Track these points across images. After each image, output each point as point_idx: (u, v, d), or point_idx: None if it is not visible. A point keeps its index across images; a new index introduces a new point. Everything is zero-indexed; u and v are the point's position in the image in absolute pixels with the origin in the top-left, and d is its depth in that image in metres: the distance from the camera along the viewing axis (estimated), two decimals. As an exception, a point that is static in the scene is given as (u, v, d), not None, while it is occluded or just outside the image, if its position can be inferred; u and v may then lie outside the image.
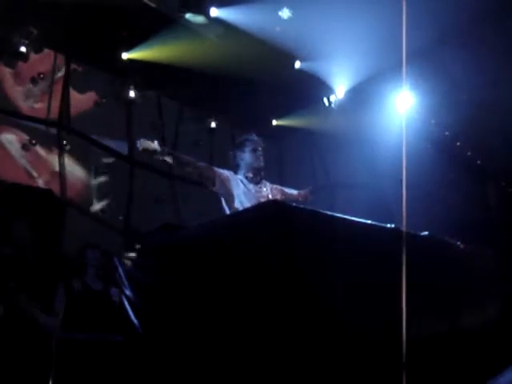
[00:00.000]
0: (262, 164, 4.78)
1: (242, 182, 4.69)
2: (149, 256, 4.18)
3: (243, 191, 4.64)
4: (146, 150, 4.41)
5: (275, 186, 4.93)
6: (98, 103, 8.17)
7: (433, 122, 8.74)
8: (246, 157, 4.75)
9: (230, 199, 4.61)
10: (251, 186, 4.70)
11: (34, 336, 4.71)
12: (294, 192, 5.00)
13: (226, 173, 4.70)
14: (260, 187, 4.75)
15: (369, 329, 3.44)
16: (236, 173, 4.77)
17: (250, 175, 4.72)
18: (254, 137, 4.88)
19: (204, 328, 3.55)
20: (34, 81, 7.53)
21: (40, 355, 4.65)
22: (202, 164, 4.66)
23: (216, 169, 4.68)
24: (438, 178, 8.93)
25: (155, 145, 4.39)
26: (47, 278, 5.18)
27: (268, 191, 4.77)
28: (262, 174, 4.80)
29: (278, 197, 4.76)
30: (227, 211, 4.64)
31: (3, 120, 7.51)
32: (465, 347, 3.92)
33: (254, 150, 4.76)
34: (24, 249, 5.29)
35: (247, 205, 4.49)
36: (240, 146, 4.81)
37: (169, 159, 4.50)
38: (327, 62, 8.05)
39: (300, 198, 4.91)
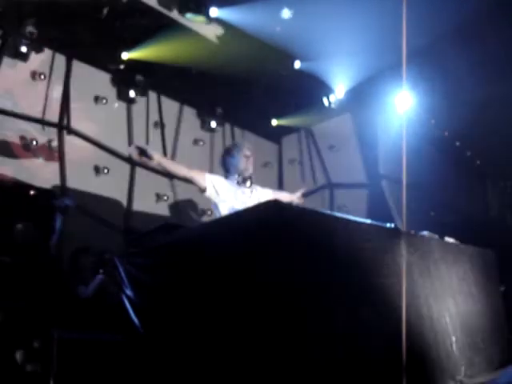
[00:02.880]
0: (251, 169, 4.85)
1: (233, 186, 4.75)
2: (149, 256, 4.19)
3: (234, 195, 4.69)
4: (139, 155, 4.47)
5: (266, 189, 4.98)
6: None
7: (432, 122, 8.74)
8: (236, 161, 4.81)
9: (221, 203, 4.67)
10: (242, 191, 4.76)
11: (34, 336, 4.72)
12: (286, 194, 5.04)
13: (217, 177, 4.76)
14: (251, 191, 4.80)
15: (368, 328, 3.44)
16: (227, 178, 4.83)
17: (240, 180, 4.79)
18: (244, 142, 4.95)
19: (204, 327, 3.56)
20: (34, 80, 7.53)
21: (40, 355, 4.65)
22: (193, 170, 4.73)
23: (207, 174, 4.75)
24: (438, 178, 8.93)
25: (146, 150, 4.45)
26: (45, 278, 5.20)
27: (258, 195, 4.81)
28: (252, 178, 4.86)
29: None
30: (219, 215, 4.69)
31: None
32: (464, 347, 3.93)
33: (244, 155, 4.83)
34: (25, 249, 5.31)
35: (239, 209, 4.53)
36: (229, 152, 4.88)
37: (157, 163, 4.57)
38: (327, 61, 8.06)
39: (292, 201, 4.93)
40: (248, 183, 4.83)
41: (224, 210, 4.66)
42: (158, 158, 4.58)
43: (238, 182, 4.79)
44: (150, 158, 4.46)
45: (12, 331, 4.69)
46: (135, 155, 4.51)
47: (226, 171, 4.88)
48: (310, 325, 3.33)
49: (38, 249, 5.76)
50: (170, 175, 8.78)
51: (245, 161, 4.83)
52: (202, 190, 4.72)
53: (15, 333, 4.70)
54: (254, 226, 3.49)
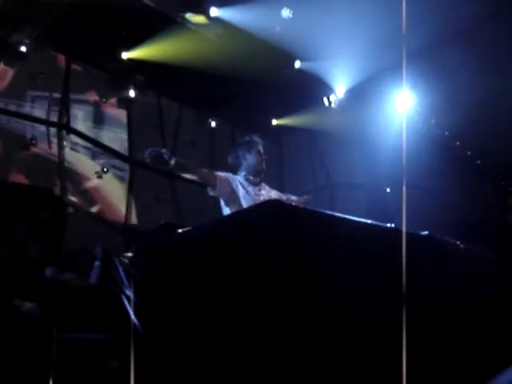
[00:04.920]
0: (264, 167, 4.79)
1: (241, 184, 4.69)
2: (149, 256, 4.18)
3: (242, 194, 4.64)
4: (154, 160, 4.40)
5: (274, 190, 4.92)
6: (98, 103, 8.19)
7: (433, 121, 8.74)
8: (251, 158, 4.75)
9: (231, 201, 4.61)
10: (250, 189, 4.70)
11: (33, 335, 4.71)
12: (294, 197, 4.98)
13: (226, 175, 4.70)
14: (259, 189, 4.75)
15: (368, 328, 3.44)
16: (236, 173, 4.77)
17: (251, 177, 4.73)
18: (260, 140, 4.89)
19: (204, 327, 3.56)
20: (34, 80, 7.54)
21: (40, 355, 4.65)
22: (204, 170, 4.67)
23: (217, 173, 4.67)
24: (438, 178, 8.93)
25: (163, 154, 4.38)
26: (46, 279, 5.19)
27: (266, 194, 4.76)
28: (262, 176, 4.81)
29: None
30: (226, 213, 4.65)
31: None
32: (465, 347, 3.93)
33: (259, 152, 4.78)
34: (25, 248, 5.31)
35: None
36: (246, 146, 4.80)
37: (174, 167, 4.48)
38: (327, 61, 8.05)
39: (300, 204, 4.88)
40: (258, 180, 4.79)
41: (233, 208, 4.62)
42: (174, 162, 4.50)
43: (247, 180, 4.74)
44: (167, 162, 4.39)
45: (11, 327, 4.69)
46: (151, 160, 4.43)
47: (237, 165, 4.81)
48: (310, 325, 3.33)
49: (37, 248, 5.77)
50: (169, 175, 8.80)
51: (259, 158, 4.78)
52: (212, 190, 4.65)
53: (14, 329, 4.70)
54: (255, 226, 3.48)
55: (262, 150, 4.79)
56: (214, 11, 7.10)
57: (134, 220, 8.32)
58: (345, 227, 3.56)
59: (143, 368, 3.88)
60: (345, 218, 3.66)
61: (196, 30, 7.34)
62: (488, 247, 4.93)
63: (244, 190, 4.66)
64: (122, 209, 8.29)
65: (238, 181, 4.70)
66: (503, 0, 7.17)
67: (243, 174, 4.74)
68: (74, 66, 7.93)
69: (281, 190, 5.26)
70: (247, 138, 4.89)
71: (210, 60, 7.51)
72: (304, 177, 10.07)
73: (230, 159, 4.86)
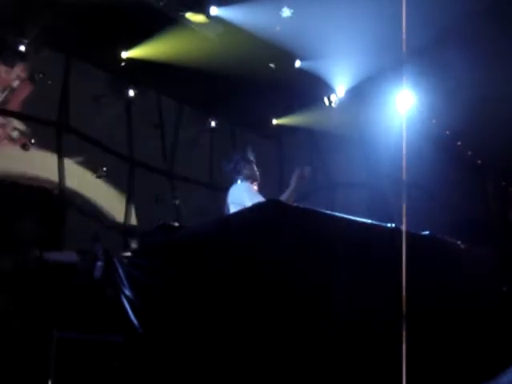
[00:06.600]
0: (257, 177, 4.84)
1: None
2: (148, 256, 4.19)
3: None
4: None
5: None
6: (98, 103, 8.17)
7: (433, 121, 8.73)
8: (251, 167, 4.80)
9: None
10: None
11: (33, 335, 4.71)
12: (284, 194, 4.89)
13: (254, 189, 4.72)
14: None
15: (368, 328, 3.44)
16: (236, 182, 4.79)
17: (257, 186, 4.78)
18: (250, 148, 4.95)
19: (203, 327, 3.55)
20: (33, 80, 7.52)
21: (40, 355, 4.64)
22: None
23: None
24: (438, 178, 8.92)
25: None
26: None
27: None
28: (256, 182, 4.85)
29: None
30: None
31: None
32: (465, 347, 3.92)
33: (254, 162, 4.84)
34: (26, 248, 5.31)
35: None
36: (246, 157, 4.85)
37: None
38: (327, 61, 8.04)
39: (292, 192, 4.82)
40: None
41: None
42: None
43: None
44: None
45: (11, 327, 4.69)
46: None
47: (238, 175, 4.82)
48: (310, 324, 3.32)
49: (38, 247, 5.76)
50: (169, 175, 8.82)
51: (255, 167, 4.85)
52: None
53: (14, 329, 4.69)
54: (255, 226, 3.48)
55: (253, 159, 4.86)
56: (214, 10, 7.09)
57: (133, 220, 8.31)
58: (345, 227, 3.56)
59: (143, 368, 3.87)
60: (345, 218, 3.66)
61: (196, 30, 7.33)
62: (488, 247, 4.93)
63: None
64: (122, 209, 8.28)
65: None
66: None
67: (248, 181, 4.75)
68: (73, 65, 7.91)
69: (281, 189, 5.24)
70: (244, 148, 4.97)
71: (210, 59, 7.50)
72: (304, 176, 10.03)
73: (233, 169, 4.85)
